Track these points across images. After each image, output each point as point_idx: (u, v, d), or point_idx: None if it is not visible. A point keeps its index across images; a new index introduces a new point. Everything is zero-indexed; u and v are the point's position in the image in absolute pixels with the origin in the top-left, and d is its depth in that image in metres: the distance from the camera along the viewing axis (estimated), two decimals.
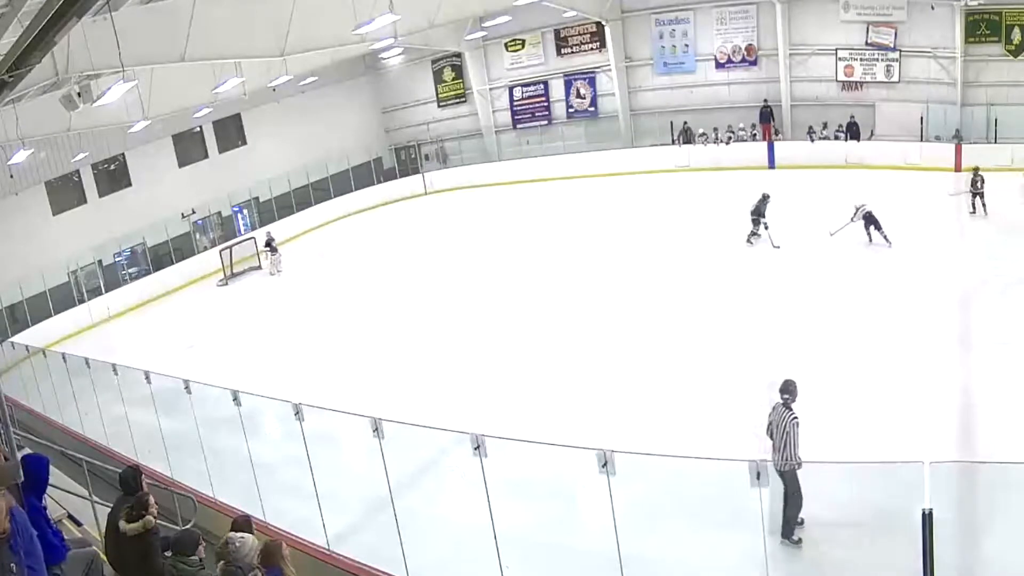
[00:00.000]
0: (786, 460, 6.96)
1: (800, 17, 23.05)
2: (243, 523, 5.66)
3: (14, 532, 3.63)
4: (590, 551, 7.29)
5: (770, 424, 7.30)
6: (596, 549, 7.26)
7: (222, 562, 5.21)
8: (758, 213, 16.88)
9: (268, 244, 23.44)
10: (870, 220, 15.97)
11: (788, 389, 7.27)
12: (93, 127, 19.96)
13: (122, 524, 5.73)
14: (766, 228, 16.74)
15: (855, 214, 16.20)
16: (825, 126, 22.75)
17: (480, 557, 6.67)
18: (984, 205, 16.64)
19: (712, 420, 9.90)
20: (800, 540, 7.08)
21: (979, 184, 16.58)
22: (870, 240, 15.93)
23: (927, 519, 4.67)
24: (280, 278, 22.59)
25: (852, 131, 22.19)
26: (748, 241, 16.97)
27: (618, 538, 5.97)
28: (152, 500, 5.89)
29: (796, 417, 7.07)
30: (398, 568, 7.12)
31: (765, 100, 24.08)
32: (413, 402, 11.41)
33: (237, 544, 5.15)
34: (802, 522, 7.13)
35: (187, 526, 7.97)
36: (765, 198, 16.96)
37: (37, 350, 17.00)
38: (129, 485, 6.22)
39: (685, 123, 25.32)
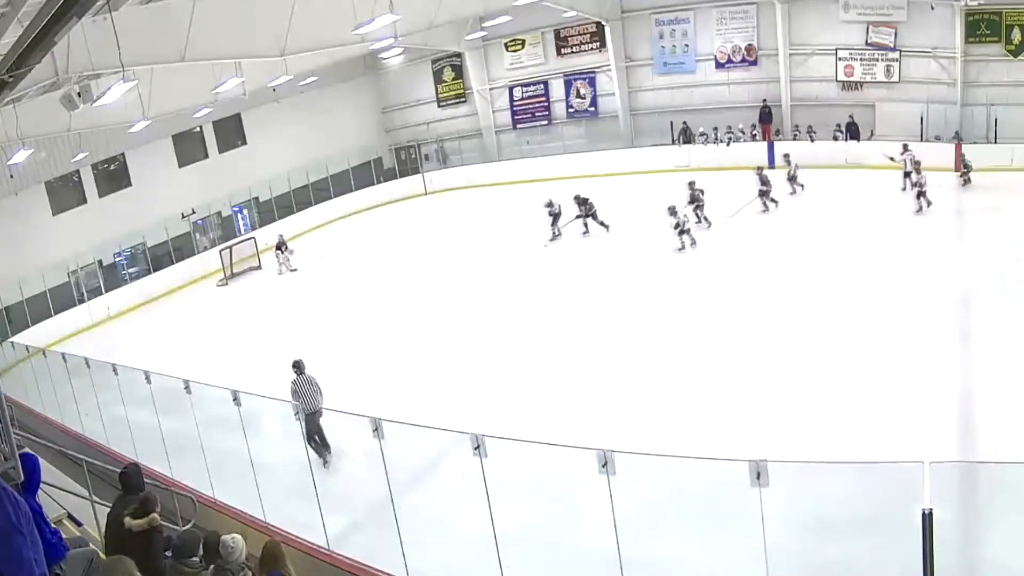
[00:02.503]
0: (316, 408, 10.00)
1: (800, 17, 23.05)
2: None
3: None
4: (590, 551, 7.29)
5: (299, 391, 10.00)
6: (596, 549, 7.26)
7: (212, 566, 5.21)
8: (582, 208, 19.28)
9: (279, 247, 23.10)
10: (582, 212, 19.19)
11: (299, 365, 10.33)
12: (93, 127, 19.94)
13: (127, 520, 5.74)
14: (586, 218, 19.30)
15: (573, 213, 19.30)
16: (801, 127, 22.98)
17: (480, 557, 6.67)
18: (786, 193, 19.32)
19: (712, 420, 9.90)
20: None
21: (700, 195, 18.60)
22: (586, 230, 19.38)
23: (927, 519, 4.66)
24: (284, 278, 22.53)
25: (851, 131, 22.18)
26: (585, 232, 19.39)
27: (618, 538, 5.97)
28: (157, 498, 5.91)
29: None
30: (398, 568, 7.13)
31: (764, 100, 24.09)
32: (413, 402, 11.41)
33: (231, 546, 5.15)
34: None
35: (187, 526, 7.97)
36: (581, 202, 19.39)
37: (37, 350, 17.00)
38: (132, 482, 6.22)
39: (684, 123, 25.31)
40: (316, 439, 9.97)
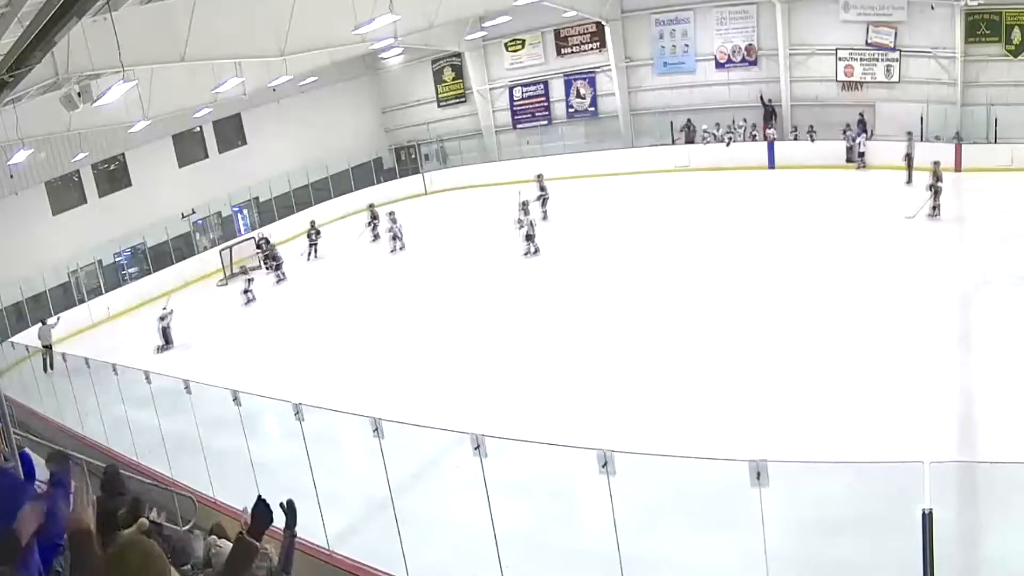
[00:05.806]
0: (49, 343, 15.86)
1: (800, 17, 23.03)
2: (217, 528, 5.62)
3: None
4: (590, 551, 7.29)
5: (41, 332, 17.36)
6: (596, 549, 7.26)
7: (209, 568, 5.20)
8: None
9: (259, 246, 23.62)
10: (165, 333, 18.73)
11: (44, 320, 17.52)
12: (93, 127, 19.95)
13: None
14: None
15: None
16: (800, 127, 23.02)
17: (480, 557, 6.67)
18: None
19: (712, 420, 9.90)
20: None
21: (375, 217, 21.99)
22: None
23: (927, 519, 4.67)
24: (286, 277, 22.54)
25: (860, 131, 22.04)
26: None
27: (618, 538, 5.97)
28: (145, 503, 5.90)
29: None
30: (398, 568, 7.13)
31: (769, 99, 23.97)
32: (413, 402, 11.41)
33: (221, 549, 5.14)
34: None
35: (187, 526, 7.98)
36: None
37: (37, 350, 17.04)
38: (113, 483, 6.19)
39: (688, 120, 25.21)
40: (46, 359, 16.82)
